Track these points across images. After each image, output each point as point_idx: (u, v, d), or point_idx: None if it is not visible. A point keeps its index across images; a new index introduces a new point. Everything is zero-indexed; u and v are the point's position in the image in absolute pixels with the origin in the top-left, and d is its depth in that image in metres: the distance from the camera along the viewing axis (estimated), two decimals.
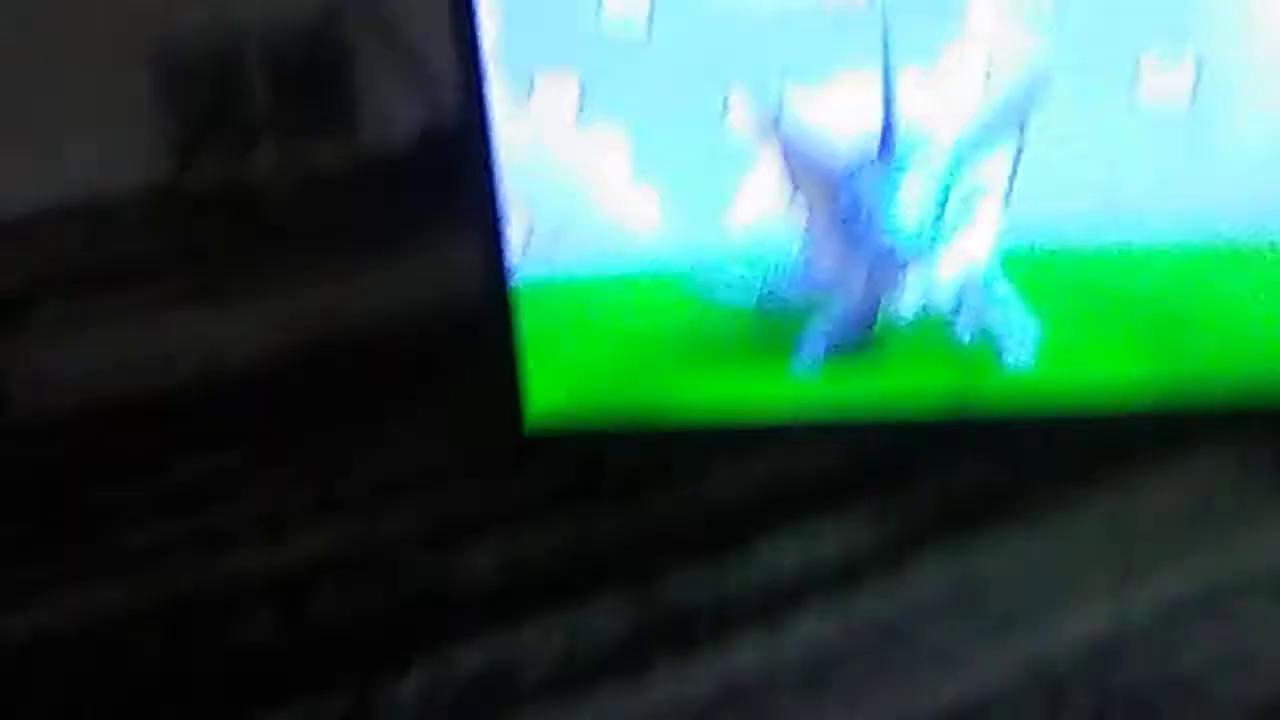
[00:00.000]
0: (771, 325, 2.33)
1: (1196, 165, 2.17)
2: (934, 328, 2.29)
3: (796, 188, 2.26)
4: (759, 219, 2.28)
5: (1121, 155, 2.18)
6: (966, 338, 2.28)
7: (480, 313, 2.42)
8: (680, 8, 2.23)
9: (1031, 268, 2.24)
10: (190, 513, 2.51)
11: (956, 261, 2.25)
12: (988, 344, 2.27)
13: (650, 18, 2.22)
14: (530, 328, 2.35)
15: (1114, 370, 2.26)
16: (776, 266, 2.30)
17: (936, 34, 2.18)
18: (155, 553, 2.42)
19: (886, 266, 2.25)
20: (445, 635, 2.12)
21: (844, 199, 2.23)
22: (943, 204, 2.22)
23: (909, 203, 2.21)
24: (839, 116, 2.22)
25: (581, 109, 2.28)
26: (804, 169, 2.24)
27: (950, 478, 2.38)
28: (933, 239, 2.23)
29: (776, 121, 2.23)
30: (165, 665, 2.15)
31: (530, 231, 2.33)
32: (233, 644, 2.18)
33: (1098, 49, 2.16)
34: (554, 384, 2.36)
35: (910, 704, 1.91)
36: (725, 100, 2.23)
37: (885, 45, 2.18)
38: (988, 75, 2.19)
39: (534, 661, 2.06)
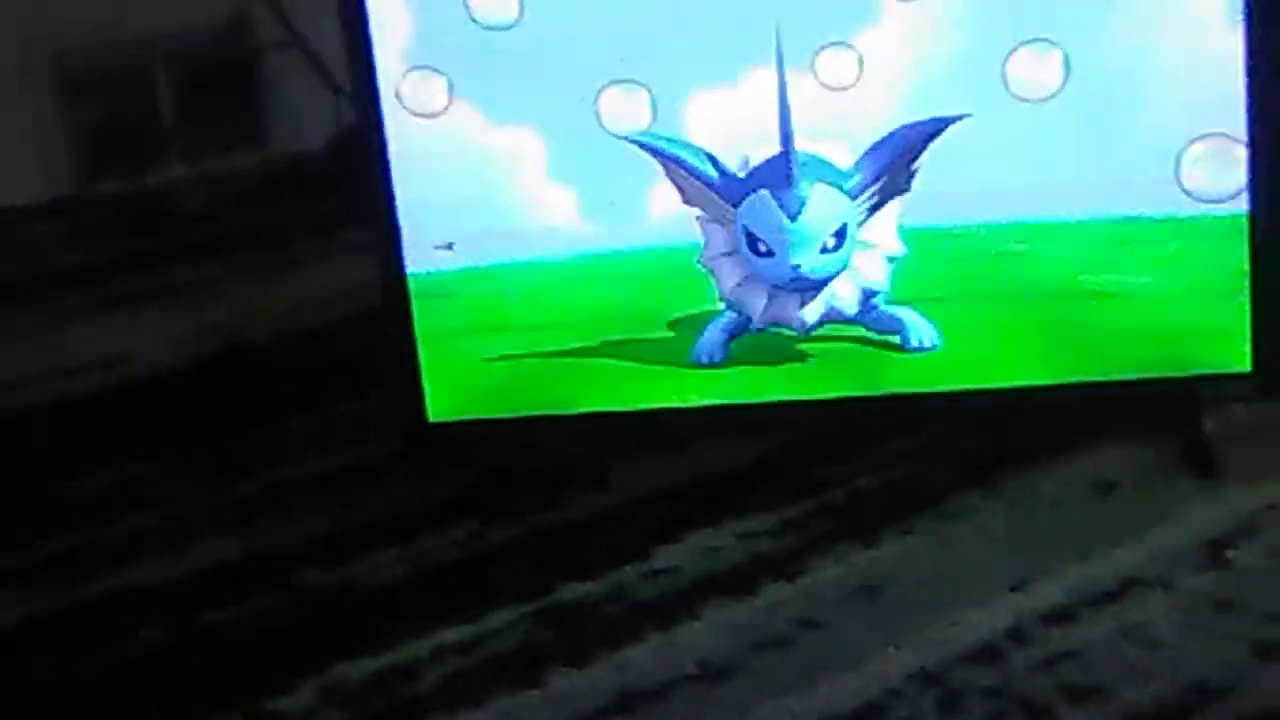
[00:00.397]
0: (676, 322, 2.32)
1: (1084, 148, 2.20)
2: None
3: (688, 203, 2.25)
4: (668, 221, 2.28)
5: (1005, 140, 2.19)
6: (866, 327, 2.28)
7: (380, 316, 2.41)
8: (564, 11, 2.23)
9: (927, 255, 2.25)
10: (93, 523, 2.49)
11: (855, 282, 2.25)
12: (888, 333, 2.27)
13: (522, 16, 2.21)
14: (429, 327, 2.33)
15: (1014, 353, 2.26)
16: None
17: (830, 44, 2.19)
18: (55, 562, 2.39)
19: (786, 291, 2.25)
20: (340, 643, 2.09)
21: (737, 227, 2.23)
22: (841, 233, 2.21)
23: (806, 232, 2.21)
24: (727, 131, 2.22)
25: (486, 111, 2.27)
26: (692, 189, 2.24)
27: (851, 479, 2.38)
28: (831, 266, 2.23)
29: (652, 132, 2.23)
30: (57, 676, 2.11)
31: (428, 231, 2.31)
32: (125, 654, 2.14)
33: (973, 41, 2.18)
34: (453, 382, 2.34)
35: (804, 707, 1.90)
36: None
37: (780, 69, 2.17)
38: (885, 97, 2.20)
39: (429, 668, 2.04)
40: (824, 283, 2.25)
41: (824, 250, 2.22)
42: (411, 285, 2.33)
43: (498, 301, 2.34)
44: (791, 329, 2.28)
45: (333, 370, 2.89)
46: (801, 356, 2.31)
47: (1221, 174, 2.18)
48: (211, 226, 3.83)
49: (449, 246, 2.32)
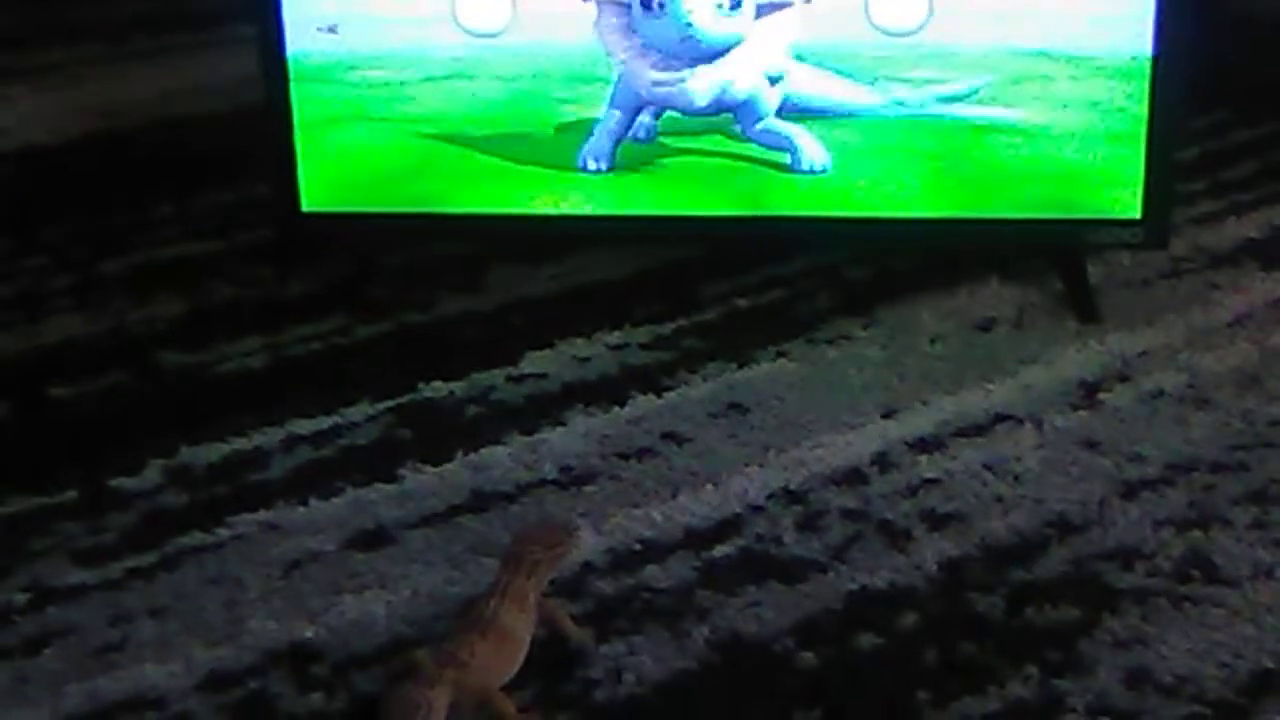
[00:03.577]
0: (563, 125, 2.25)
1: None
2: (724, 132, 2.23)
3: None
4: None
5: None
6: (756, 142, 2.22)
7: (255, 109, 2.32)
8: None
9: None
10: None
11: (750, 63, 2.18)
12: (778, 150, 2.21)
13: None
14: (308, 114, 2.25)
15: (902, 182, 2.21)
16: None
17: None
18: None
19: (677, 60, 2.18)
20: (191, 427, 2.03)
21: None
22: (738, 2, 2.14)
23: None
24: None
25: None
26: None
27: (728, 299, 2.34)
28: (728, 36, 2.16)
29: None
30: None
31: (312, 20, 2.23)
32: None
33: None
34: (328, 173, 2.26)
35: (662, 517, 1.86)
36: None
37: None
38: None
39: (280, 458, 1.98)
40: (718, 54, 2.18)
41: (719, 7, 2.14)
42: (292, 69, 2.24)
43: (379, 90, 2.25)
44: (681, 111, 2.21)
45: (203, 159, 2.80)
46: (688, 171, 2.25)
47: None
48: (91, 10, 3.69)
49: (332, 30, 2.23)
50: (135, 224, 2.60)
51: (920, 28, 2.17)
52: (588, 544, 1.78)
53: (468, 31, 2.21)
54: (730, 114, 2.22)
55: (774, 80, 2.19)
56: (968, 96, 2.19)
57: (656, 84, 2.20)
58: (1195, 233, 2.50)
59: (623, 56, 2.19)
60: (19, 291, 2.41)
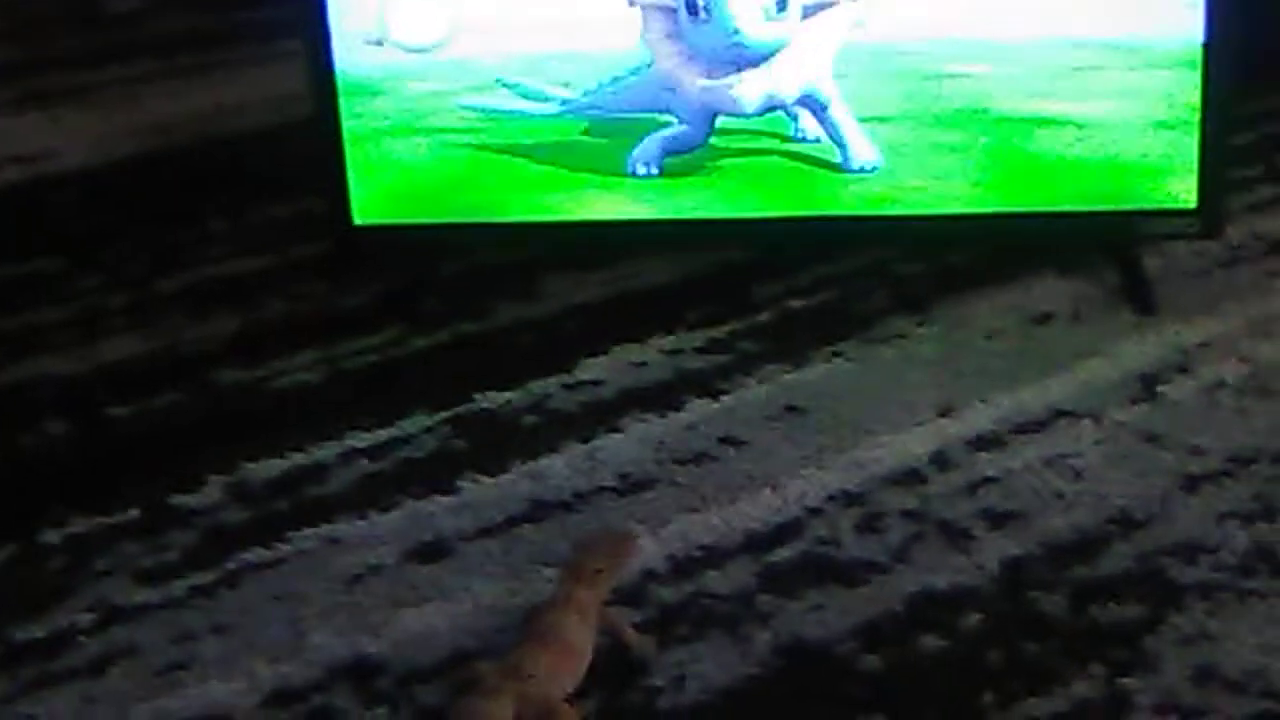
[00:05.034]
0: (606, 134, 2.25)
1: None
2: (774, 133, 2.23)
3: None
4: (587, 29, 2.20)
5: None
6: (807, 140, 2.22)
7: (305, 122, 2.33)
8: None
9: (873, 73, 2.18)
10: (3, 313, 2.41)
11: (798, 66, 2.17)
12: (828, 149, 2.21)
13: None
14: (357, 129, 2.26)
15: (955, 178, 2.20)
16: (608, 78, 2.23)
17: None
18: None
19: (725, 67, 2.18)
20: (249, 443, 2.04)
21: None
22: (784, 5, 2.14)
23: (750, 1, 2.13)
24: None
25: None
26: None
27: (782, 300, 2.33)
28: (774, 41, 2.16)
29: None
30: None
31: (359, 34, 2.23)
32: (30, 446, 2.09)
33: None
34: (380, 185, 2.27)
35: (722, 522, 1.86)
36: None
37: None
38: None
39: (338, 471, 1.99)
40: (765, 57, 2.18)
41: (765, 11, 2.14)
42: (340, 83, 2.25)
43: (428, 101, 2.26)
44: (731, 112, 2.21)
45: (254, 175, 2.81)
46: (738, 174, 2.24)
47: None
48: (141, 28, 3.72)
49: (379, 43, 2.24)
50: (188, 241, 2.62)
51: None
52: (647, 552, 1.77)
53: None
54: (783, 111, 2.21)
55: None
56: None
57: (705, 90, 2.19)
58: (1252, 220, 2.47)
59: (668, 67, 2.19)
60: (76, 312, 2.42)
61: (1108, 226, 2.27)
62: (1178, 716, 1.53)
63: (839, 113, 2.20)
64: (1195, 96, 2.16)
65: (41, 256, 2.60)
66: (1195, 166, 2.18)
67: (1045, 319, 2.27)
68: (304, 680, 1.65)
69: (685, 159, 2.24)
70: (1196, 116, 2.16)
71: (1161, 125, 2.17)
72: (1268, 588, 1.69)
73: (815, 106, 2.20)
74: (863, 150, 2.20)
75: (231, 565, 1.83)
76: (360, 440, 2.05)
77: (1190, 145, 2.17)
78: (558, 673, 1.56)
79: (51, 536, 1.89)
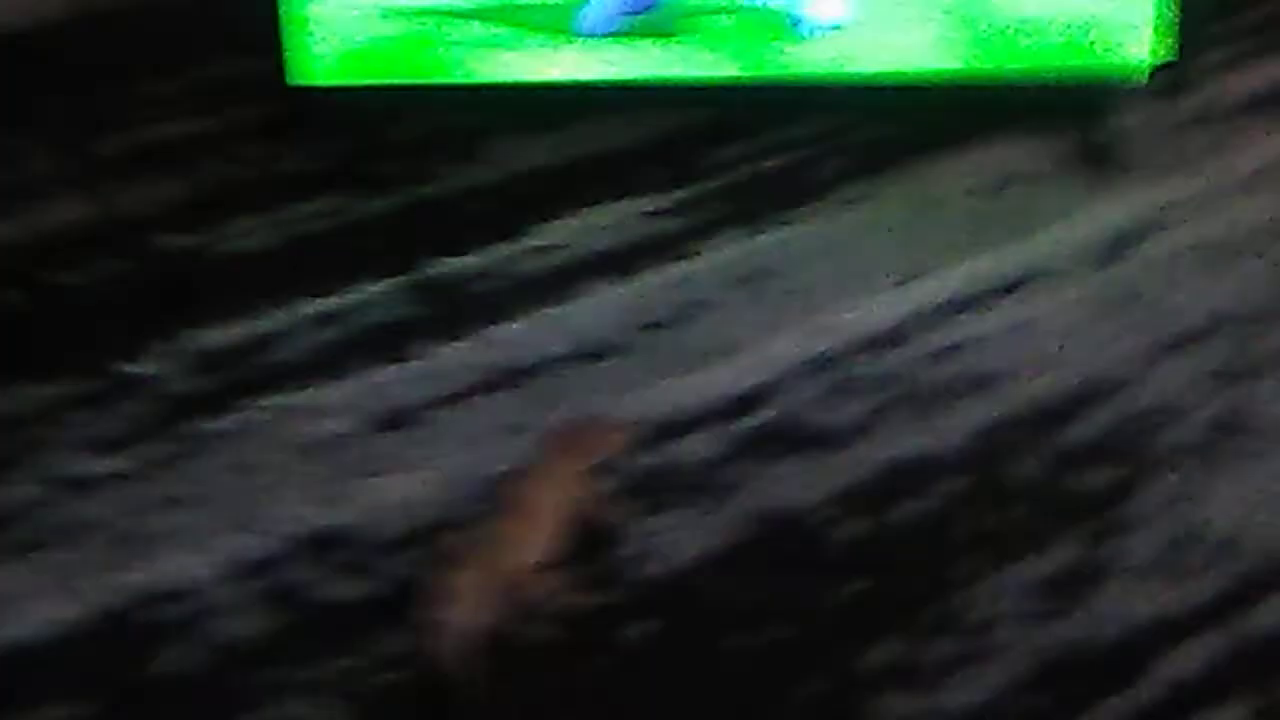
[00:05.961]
0: None
1: None
2: None
3: None
4: None
5: None
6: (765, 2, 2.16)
7: None
8: None
9: None
10: None
11: None
12: (787, 10, 2.15)
13: None
14: None
15: (917, 39, 2.15)
16: None
17: None
18: None
19: None
20: (196, 310, 1.97)
21: None
22: None
23: None
24: None
25: None
26: None
27: (741, 162, 2.27)
28: None
29: None
30: None
31: None
32: None
33: None
34: (324, 45, 2.18)
35: (686, 391, 1.82)
36: None
37: None
38: None
39: (288, 339, 1.93)
40: None
41: None
42: None
43: None
44: None
45: (191, 35, 2.70)
46: (697, 31, 2.18)
47: None
48: None
49: None
50: (123, 104, 2.51)
51: None
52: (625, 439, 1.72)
53: None
54: None
55: None
56: None
57: None
58: (1223, 76, 2.41)
59: None
60: (13, 179, 2.33)
61: (1070, 86, 2.22)
62: (1158, 580, 1.51)
63: None
64: None
65: None
66: (1162, 22, 2.13)
67: (1009, 182, 2.22)
68: (264, 552, 1.61)
69: (644, 19, 2.16)
70: None
71: None
72: (1244, 449, 1.67)
73: None
74: (827, 6, 2.14)
75: (184, 435, 1.77)
76: (313, 307, 1.98)
77: (1157, 3, 2.12)
78: (530, 544, 1.52)
79: None
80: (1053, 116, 2.31)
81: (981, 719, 1.48)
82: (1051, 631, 1.52)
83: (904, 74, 2.18)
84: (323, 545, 1.61)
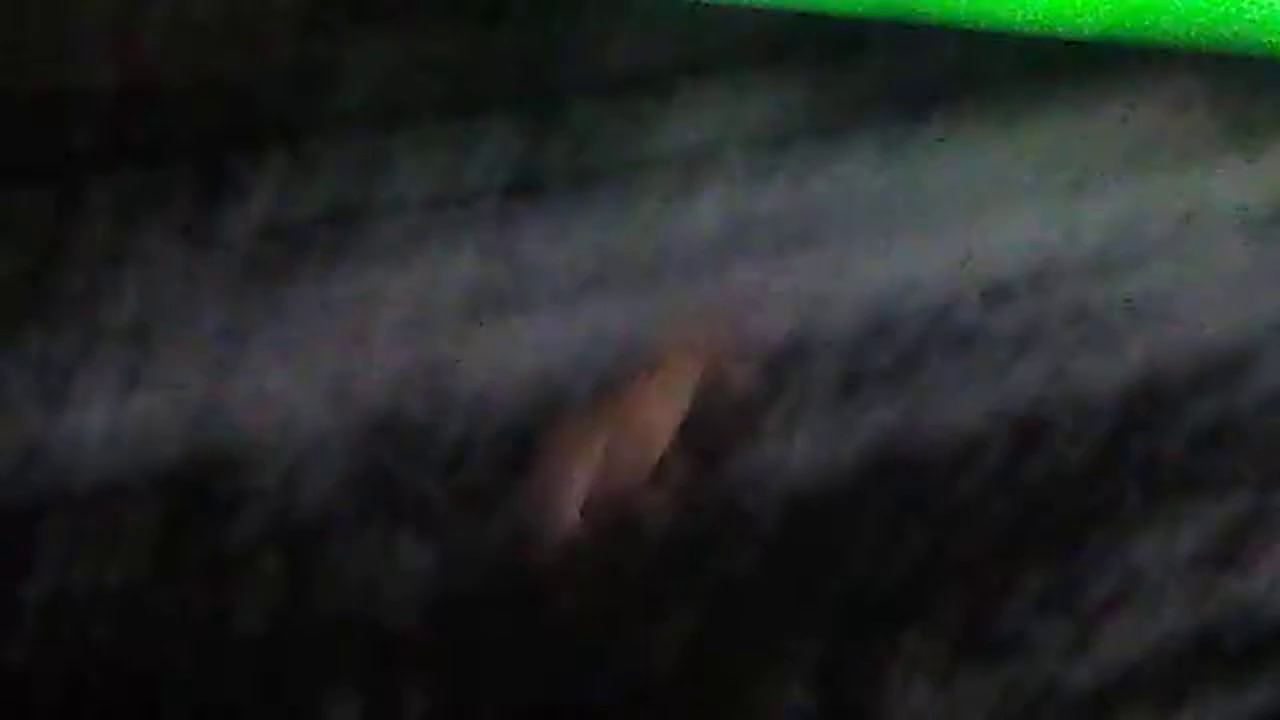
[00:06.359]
0: None
1: None
2: None
3: None
4: None
5: None
6: None
7: None
8: None
9: None
10: None
11: None
12: None
13: None
14: None
15: None
16: None
17: None
18: None
19: None
20: (312, 137, 1.85)
21: None
22: None
23: None
24: None
25: None
26: None
27: (901, 57, 2.13)
28: None
29: None
30: None
31: None
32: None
33: None
34: None
35: (826, 282, 1.71)
36: None
37: None
38: None
39: (410, 178, 1.80)
40: None
41: None
42: None
43: None
44: None
45: None
46: None
47: None
48: None
49: None
50: None
51: None
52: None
53: None
54: None
55: None
56: None
57: None
58: None
59: None
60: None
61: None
62: None
63: None
64: None
65: None
66: None
67: (1168, 124, 2.08)
68: (370, 384, 1.49)
69: None
70: None
71: None
72: None
73: None
74: None
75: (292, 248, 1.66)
76: (436, 135, 1.86)
77: None
78: (661, 412, 1.40)
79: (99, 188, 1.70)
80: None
81: (1140, 668, 1.37)
82: (1222, 584, 1.41)
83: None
84: (436, 385, 1.50)
